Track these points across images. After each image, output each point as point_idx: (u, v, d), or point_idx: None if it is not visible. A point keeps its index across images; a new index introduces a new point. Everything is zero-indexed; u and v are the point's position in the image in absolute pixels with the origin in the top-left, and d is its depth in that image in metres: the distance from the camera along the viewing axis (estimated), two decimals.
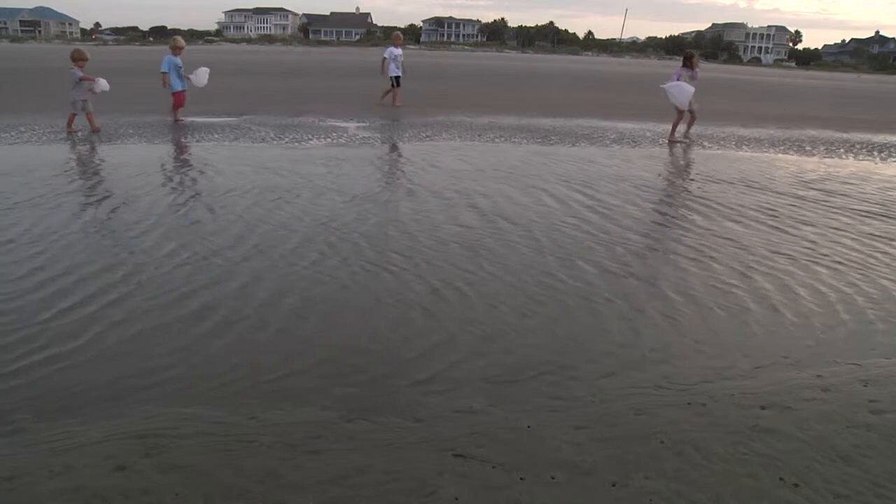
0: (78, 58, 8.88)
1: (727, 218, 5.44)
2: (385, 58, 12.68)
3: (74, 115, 8.88)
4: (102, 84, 8.87)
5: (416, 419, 2.35)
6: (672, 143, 9.80)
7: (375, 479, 2.01)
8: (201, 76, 10.24)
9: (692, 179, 7.16)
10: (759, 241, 4.80)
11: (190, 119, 10.01)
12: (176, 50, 9.98)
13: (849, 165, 8.69)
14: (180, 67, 9.94)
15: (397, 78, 12.73)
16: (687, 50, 10.56)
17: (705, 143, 10.02)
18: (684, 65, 9.72)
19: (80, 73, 8.80)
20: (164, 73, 9.77)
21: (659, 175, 7.38)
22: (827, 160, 9.02)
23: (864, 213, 5.82)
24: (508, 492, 1.97)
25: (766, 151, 9.61)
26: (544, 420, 2.36)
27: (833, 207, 6.01)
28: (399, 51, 12.69)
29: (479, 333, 3.08)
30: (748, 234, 5.00)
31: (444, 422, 2.33)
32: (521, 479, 2.03)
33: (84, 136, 8.51)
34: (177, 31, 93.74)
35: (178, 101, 10.03)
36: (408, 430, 2.28)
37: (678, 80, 9.47)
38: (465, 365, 2.77)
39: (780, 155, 9.30)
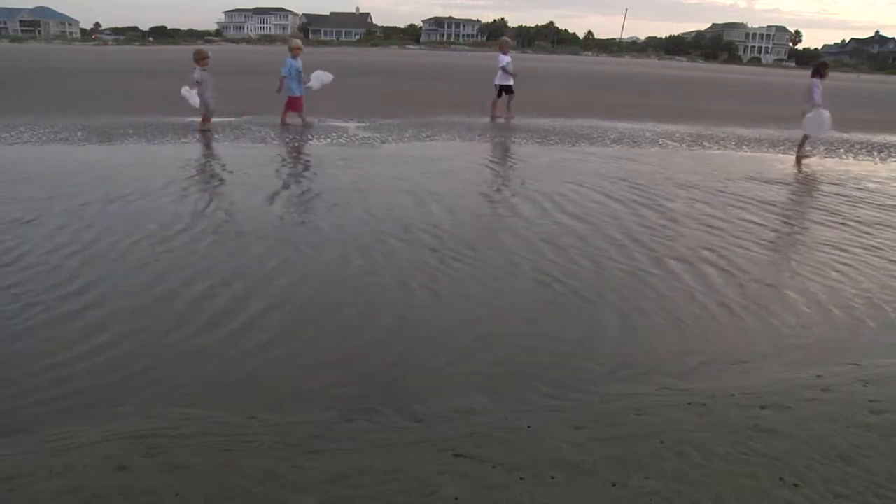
0: (200, 58, 8.75)
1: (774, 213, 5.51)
2: (503, 66, 11.93)
3: (207, 114, 8.92)
4: (192, 97, 8.74)
5: (416, 419, 2.35)
6: (799, 158, 8.85)
7: (375, 479, 2.00)
8: (322, 77, 10.03)
9: (714, 178, 7.15)
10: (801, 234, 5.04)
11: (190, 119, 10.00)
12: (294, 51, 9.72)
13: (851, 165, 8.70)
14: (300, 72, 9.75)
15: (509, 87, 12.10)
16: (821, 60, 9.59)
17: (705, 143, 10.02)
18: (819, 76, 8.79)
19: (197, 77, 8.70)
20: (283, 76, 9.63)
21: (691, 174, 7.37)
22: (827, 160, 9.02)
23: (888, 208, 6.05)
24: (508, 492, 1.97)
25: (766, 152, 9.61)
26: (544, 420, 2.36)
27: (858, 202, 6.24)
28: (509, 58, 12.12)
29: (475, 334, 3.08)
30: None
31: (444, 422, 2.33)
32: (521, 479, 2.03)
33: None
34: (177, 32, 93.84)
35: (293, 105, 9.91)
36: (408, 430, 2.28)
37: (819, 95, 8.55)
38: (459, 365, 2.78)
39: (781, 155, 9.30)
